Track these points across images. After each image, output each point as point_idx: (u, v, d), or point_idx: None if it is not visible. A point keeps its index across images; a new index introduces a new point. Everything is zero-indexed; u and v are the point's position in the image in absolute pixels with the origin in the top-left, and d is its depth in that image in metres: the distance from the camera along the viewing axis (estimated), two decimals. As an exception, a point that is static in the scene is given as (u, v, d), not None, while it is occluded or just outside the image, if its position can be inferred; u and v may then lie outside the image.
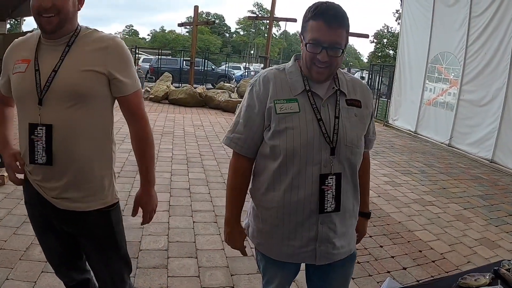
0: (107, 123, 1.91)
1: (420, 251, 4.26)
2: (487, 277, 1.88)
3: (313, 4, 1.60)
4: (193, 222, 4.33)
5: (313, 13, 1.58)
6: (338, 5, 1.60)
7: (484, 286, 1.81)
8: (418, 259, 4.08)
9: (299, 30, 1.73)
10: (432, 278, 3.67)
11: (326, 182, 1.65)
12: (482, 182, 7.62)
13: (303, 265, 1.92)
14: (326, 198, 1.66)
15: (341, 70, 1.81)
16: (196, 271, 3.38)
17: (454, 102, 10.64)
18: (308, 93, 1.68)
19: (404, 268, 3.87)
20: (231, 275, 3.36)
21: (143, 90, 14.79)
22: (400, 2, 13.44)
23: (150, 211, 2.11)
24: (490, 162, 9.24)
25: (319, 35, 1.56)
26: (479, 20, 9.75)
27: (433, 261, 4.06)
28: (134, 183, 5.25)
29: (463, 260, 4.18)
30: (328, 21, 1.55)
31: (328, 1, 1.61)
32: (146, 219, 2.12)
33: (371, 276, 3.62)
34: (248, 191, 1.88)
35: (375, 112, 13.71)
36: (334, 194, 1.67)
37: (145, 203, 2.08)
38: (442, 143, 10.71)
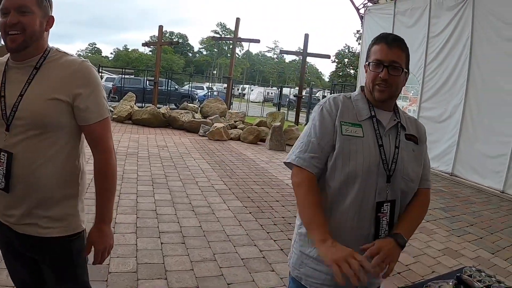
0: (75, 153, 1.83)
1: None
2: (450, 284, 1.92)
3: (376, 36, 1.76)
4: (161, 243, 4.25)
5: (376, 39, 1.74)
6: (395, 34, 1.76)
7: (447, 292, 1.85)
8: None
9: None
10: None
11: (382, 209, 1.67)
12: (443, 195, 7.85)
13: None
14: (381, 225, 1.68)
15: (400, 108, 1.87)
16: (167, 292, 3.30)
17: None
18: (373, 119, 1.73)
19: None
20: (202, 295, 3.30)
21: (106, 111, 14.52)
22: (360, 23, 13.80)
23: (102, 250, 1.91)
24: (451, 175, 9.56)
25: (380, 55, 1.68)
26: (437, 40, 10.21)
27: (399, 273, 4.13)
28: (99, 205, 5.12)
29: (428, 270, 4.28)
30: (389, 42, 1.69)
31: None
32: (98, 258, 1.93)
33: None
34: (298, 215, 1.82)
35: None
36: (388, 220, 1.69)
37: (96, 241, 1.89)
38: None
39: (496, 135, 8.61)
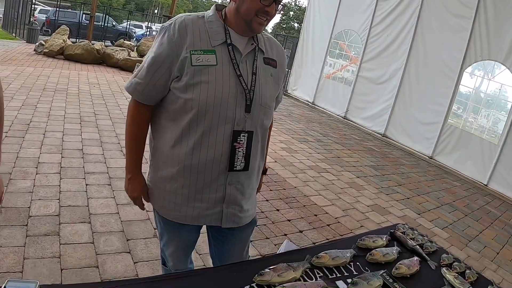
0: None
1: (316, 215, 4.37)
2: (384, 239, 1.89)
3: None
4: (86, 185, 4.02)
5: None
6: None
7: (381, 246, 1.82)
8: (314, 223, 4.18)
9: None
10: (328, 240, 3.78)
11: (238, 139, 1.57)
12: (374, 154, 8.07)
13: (203, 228, 1.82)
14: (236, 156, 1.58)
15: None
16: (90, 237, 3.14)
17: (352, 78, 11.10)
18: (228, 47, 1.56)
19: (301, 231, 3.93)
20: (127, 240, 3.18)
21: (37, 44, 13.54)
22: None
23: None
24: (383, 136, 9.83)
25: None
26: (386, 3, 10.22)
27: (328, 225, 4.19)
28: (23, 143, 4.77)
29: (357, 225, 4.37)
30: None
31: None
32: None
33: (269, 238, 3.63)
34: (151, 147, 1.73)
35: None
36: (244, 152, 1.60)
37: None
38: (338, 115, 11.18)
39: (431, 103, 8.90)
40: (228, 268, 1.57)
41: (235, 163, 1.58)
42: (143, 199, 1.79)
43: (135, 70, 1.66)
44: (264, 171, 1.95)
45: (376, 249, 1.76)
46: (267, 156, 2.05)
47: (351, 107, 11.05)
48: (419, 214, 5.17)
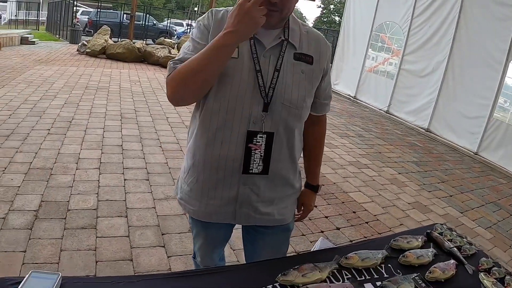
0: None
1: (354, 212, 4.28)
2: (420, 240, 1.80)
3: None
4: (124, 180, 4.11)
5: None
6: None
7: (416, 248, 1.73)
8: (352, 220, 4.09)
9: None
10: (365, 238, 3.68)
11: (255, 141, 1.47)
12: (417, 149, 7.84)
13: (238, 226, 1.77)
14: (252, 158, 1.49)
15: (299, 21, 1.59)
16: (126, 230, 3.20)
17: (395, 71, 10.82)
18: (251, 41, 1.46)
19: (338, 229, 3.85)
20: (162, 234, 3.22)
21: (79, 44, 13.95)
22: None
23: None
24: (426, 131, 9.54)
25: None
26: (428, -7, 9.84)
27: (367, 222, 4.08)
28: (64, 140, 4.94)
29: (396, 223, 4.24)
30: None
31: None
32: None
33: (305, 235, 3.59)
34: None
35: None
36: (262, 155, 1.50)
37: None
38: (380, 109, 10.93)
39: (476, 96, 8.52)
40: (252, 266, 1.54)
41: (251, 166, 1.50)
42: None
43: None
44: (315, 188, 1.87)
45: (410, 251, 1.66)
46: (320, 171, 1.93)
47: (393, 101, 10.78)
48: (461, 213, 4.96)
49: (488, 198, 5.85)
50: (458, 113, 8.94)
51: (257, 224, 1.66)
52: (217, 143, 1.49)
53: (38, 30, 22.67)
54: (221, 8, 1.56)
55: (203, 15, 1.55)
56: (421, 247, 1.76)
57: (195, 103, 1.59)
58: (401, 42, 10.72)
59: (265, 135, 1.48)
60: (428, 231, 1.92)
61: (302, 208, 1.86)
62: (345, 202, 4.49)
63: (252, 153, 1.48)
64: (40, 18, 25.33)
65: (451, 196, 5.50)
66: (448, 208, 5.00)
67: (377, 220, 4.20)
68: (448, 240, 1.86)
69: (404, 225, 4.19)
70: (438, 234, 1.89)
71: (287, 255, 1.78)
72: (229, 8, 1.54)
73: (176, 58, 1.50)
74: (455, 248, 1.79)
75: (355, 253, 1.54)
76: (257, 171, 1.52)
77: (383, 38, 11.49)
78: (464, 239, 1.93)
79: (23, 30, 17.46)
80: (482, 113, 8.35)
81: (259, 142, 1.48)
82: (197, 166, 1.56)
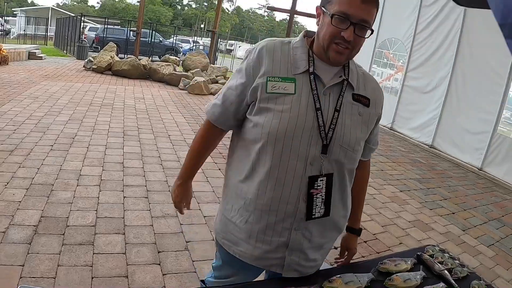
0: None
1: (353, 232, 4.23)
2: (409, 263, 1.78)
3: None
4: (124, 197, 4.13)
5: None
6: None
7: (404, 271, 1.71)
8: (350, 239, 4.04)
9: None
10: (362, 257, 3.65)
11: (316, 185, 1.41)
12: (420, 166, 7.80)
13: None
14: (315, 203, 1.42)
15: (355, 62, 1.56)
16: (123, 248, 3.21)
17: (399, 87, 10.82)
18: (310, 76, 1.41)
19: (335, 248, 3.81)
20: (158, 252, 3.22)
21: (86, 60, 14.12)
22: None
23: None
24: (430, 147, 9.51)
25: (350, 8, 1.31)
26: (430, 9, 9.94)
27: (365, 241, 4.04)
28: (66, 156, 4.97)
29: (396, 242, 4.20)
30: None
31: None
32: None
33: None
34: (225, 177, 1.66)
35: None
36: (324, 198, 1.44)
37: None
38: (384, 126, 10.89)
39: (480, 112, 8.51)
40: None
41: (313, 211, 1.44)
42: (185, 207, 1.82)
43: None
44: (358, 232, 1.83)
45: (397, 274, 1.64)
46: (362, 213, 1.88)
47: (397, 117, 10.79)
48: (463, 231, 4.91)
49: (492, 215, 5.80)
50: (462, 129, 8.92)
51: (303, 276, 1.57)
52: (271, 184, 1.42)
53: (46, 45, 23.05)
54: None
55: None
56: (410, 270, 1.74)
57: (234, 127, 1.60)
58: (405, 58, 10.76)
59: (325, 178, 1.43)
60: (418, 253, 1.90)
61: (346, 252, 1.84)
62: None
63: (314, 198, 1.42)
64: (48, 34, 25.77)
65: (453, 213, 5.46)
66: (449, 226, 4.95)
67: (376, 239, 4.17)
68: (439, 262, 1.84)
69: (404, 244, 4.15)
70: (428, 256, 1.87)
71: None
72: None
73: (215, 98, 1.60)
74: (445, 271, 1.77)
75: (339, 276, 1.53)
76: (319, 215, 1.45)
77: (387, 55, 11.54)
78: (456, 261, 1.91)
79: (31, 45, 17.74)
80: (486, 128, 8.33)
81: (319, 186, 1.42)
82: (248, 205, 1.49)
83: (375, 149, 1.71)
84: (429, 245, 2.04)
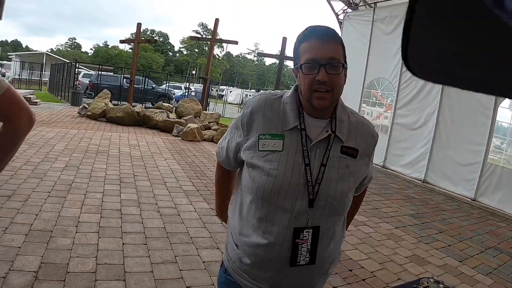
0: None
1: (351, 270, 4.27)
2: (405, 295, 1.86)
3: (301, 31, 1.45)
4: (123, 244, 4.13)
5: (303, 35, 1.43)
6: (325, 25, 1.46)
7: (401, 303, 1.78)
8: (348, 278, 4.08)
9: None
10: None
11: (301, 236, 1.45)
12: (414, 201, 7.89)
13: None
14: (299, 251, 1.47)
15: (348, 108, 1.59)
16: (124, 294, 3.20)
17: (389, 125, 11.05)
18: (302, 132, 1.45)
19: (334, 287, 3.85)
20: (160, 298, 3.22)
21: (81, 107, 14.31)
22: (340, 28, 13.83)
23: None
24: (423, 182, 9.63)
25: (314, 53, 1.38)
26: (414, 46, 10.23)
27: (363, 280, 4.08)
28: (64, 203, 5.00)
29: (393, 278, 4.24)
30: (321, 37, 1.40)
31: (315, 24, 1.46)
32: None
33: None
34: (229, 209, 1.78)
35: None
36: (309, 247, 1.48)
37: None
38: (376, 164, 11.03)
39: (469, 143, 8.73)
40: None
41: (298, 259, 1.47)
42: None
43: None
44: None
45: (394, 306, 1.72)
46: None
47: (389, 155, 10.96)
48: (460, 262, 4.96)
49: (488, 243, 5.87)
50: (453, 162, 9.11)
51: None
52: (258, 231, 1.49)
53: (41, 90, 23.30)
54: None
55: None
56: (406, 303, 1.81)
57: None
58: (393, 96, 11.04)
59: (311, 230, 1.46)
60: (414, 286, 1.98)
61: None
62: (341, 260, 4.46)
63: (299, 248, 1.46)
64: (42, 79, 26.06)
65: (449, 245, 5.52)
66: (446, 259, 5.00)
67: (374, 276, 4.20)
68: (434, 293, 1.92)
69: (402, 280, 4.17)
70: (423, 289, 1.95)
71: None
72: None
73: (221, 142, 1.73)
74: (440, 302, 1.85)
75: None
76: (304, 263, 1.49)
77: (375, 94, 11.82)
78: (451, 292, 1.99)
79: (26, 91, 18.01)
80: (476, 159, 8.53)
81: (305, 236, 1.45)
82: (239, 247, 1.57)
83: (368, 184, 1.76)
84: (424, 277, 2.11)
